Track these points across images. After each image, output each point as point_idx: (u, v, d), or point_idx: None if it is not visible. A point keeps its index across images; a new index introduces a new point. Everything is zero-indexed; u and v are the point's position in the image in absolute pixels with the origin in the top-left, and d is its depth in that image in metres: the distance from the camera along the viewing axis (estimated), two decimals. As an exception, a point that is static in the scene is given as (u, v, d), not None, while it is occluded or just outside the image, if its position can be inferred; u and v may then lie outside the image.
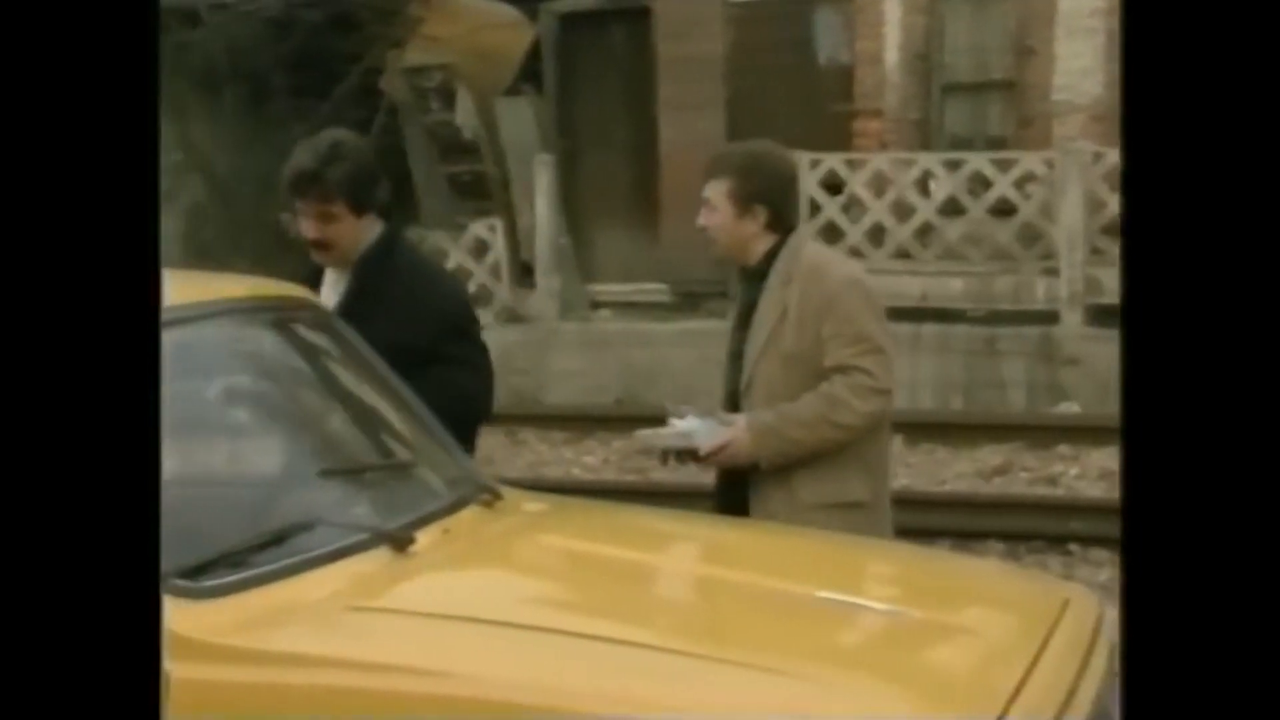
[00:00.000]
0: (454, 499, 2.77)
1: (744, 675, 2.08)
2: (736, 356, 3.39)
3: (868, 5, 11.01)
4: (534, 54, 11.96)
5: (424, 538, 2.52)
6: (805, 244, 3.38)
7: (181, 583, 2.20)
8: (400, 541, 2.48)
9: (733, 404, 3.38)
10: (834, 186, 10.55)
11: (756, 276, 3.35)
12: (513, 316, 11.15)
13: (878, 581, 2.87)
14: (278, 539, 2.39)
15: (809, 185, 10.42)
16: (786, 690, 2.05)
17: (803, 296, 3.24)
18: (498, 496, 2.85)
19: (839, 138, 10.91)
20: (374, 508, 2.72)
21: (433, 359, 3.34)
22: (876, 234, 10.51)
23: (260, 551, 2.35)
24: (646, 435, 3.46)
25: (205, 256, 9.66)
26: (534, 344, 10.83)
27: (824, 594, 2.59)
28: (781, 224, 3.35)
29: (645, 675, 2.11)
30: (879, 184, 10.56)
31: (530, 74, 12.01)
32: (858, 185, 10.53)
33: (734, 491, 3.34)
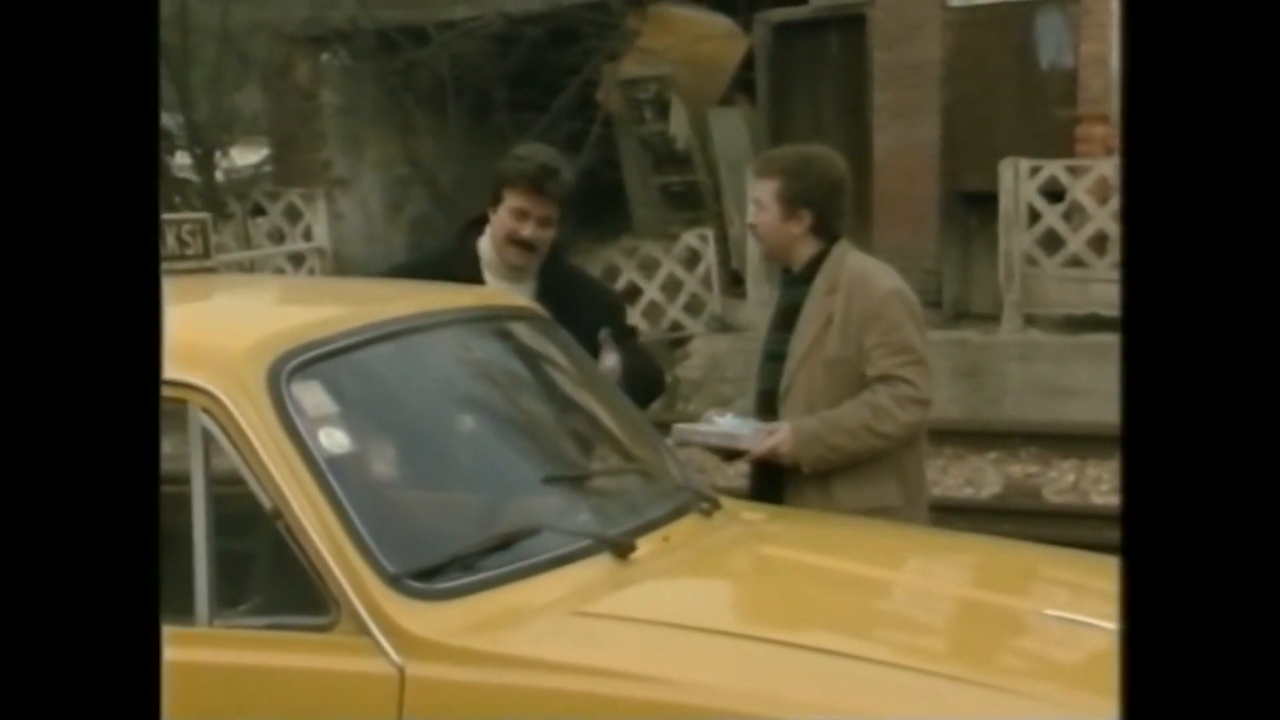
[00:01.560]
0: (673, 507, 2.79)
1: (972, 693, 2.05)
2: (772, 358, 3.42)
3: (1095, 6, 10.65)
4: (747, 64, 11.96)
5: (645, 545, 2.55)
6: (849, 253, 3.38)
7: (415, 584, 2.28)
8: (622, 549, 2.51)
9: (766, 405, 3.40)
10: (1055, 194, 10.25)
11: (800, 280, 3.38)
12: (723, 326, 11.17)
13: (1104, 599, 2.77)
14: (505, 544, 2.44)
15: (1028, 192, 10.15)
16: (1015, 709, 2.00)
17: (847, 305, 3.28)
18: (716, 505, 2.87)
19: (1061, 143, 10.58)
20: (596, 515, 2.76)
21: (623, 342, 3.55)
22: (1099, 242, 10.16)
23: (488, 555, 2.41)
24: (685, 430, 3.43)
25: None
26: (743, 353, 10.81)
27: (1051, 611, 2.52)
28: (826, 229, 3.37)
29: (869, 689, 2.09)
30: (1103, 191, 10.21)
31: (743, 84, 12.02)
32: (1080, 192, 10.20)
33: (769, 494, 3.33)
